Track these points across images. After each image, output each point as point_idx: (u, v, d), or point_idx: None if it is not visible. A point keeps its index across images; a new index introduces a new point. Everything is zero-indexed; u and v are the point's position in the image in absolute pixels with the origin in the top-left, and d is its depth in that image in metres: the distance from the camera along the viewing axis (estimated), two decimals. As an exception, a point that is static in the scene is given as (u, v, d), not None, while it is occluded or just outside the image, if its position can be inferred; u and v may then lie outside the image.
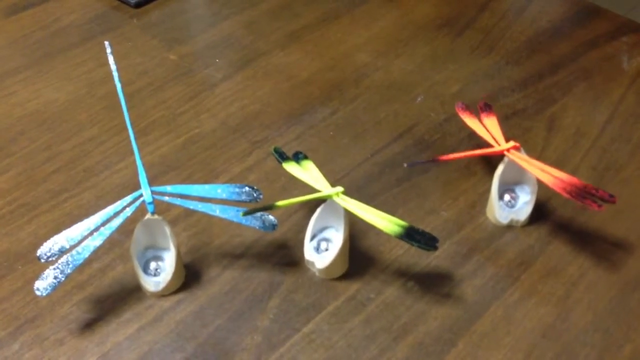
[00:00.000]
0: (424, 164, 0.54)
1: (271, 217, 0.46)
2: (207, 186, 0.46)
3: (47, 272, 0.42)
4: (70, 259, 0.42)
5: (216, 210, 0.45)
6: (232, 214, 0.45)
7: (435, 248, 0.43)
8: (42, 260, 0.42)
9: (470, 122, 0.54)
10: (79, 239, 0.42)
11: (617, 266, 0.48)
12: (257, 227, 0.46)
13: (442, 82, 0.63)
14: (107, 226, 0.43)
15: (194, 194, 0.45)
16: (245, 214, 0.43)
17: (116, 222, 0.43)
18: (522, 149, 0.49)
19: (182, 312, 0.45)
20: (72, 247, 0.42)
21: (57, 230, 0.49)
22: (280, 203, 0.43)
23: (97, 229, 0.43)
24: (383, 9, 0.73)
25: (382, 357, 0.42)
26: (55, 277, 0.41)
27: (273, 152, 0.50)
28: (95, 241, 0.42)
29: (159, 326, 0.44)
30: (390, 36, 0.69)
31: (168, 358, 0.42)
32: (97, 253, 0.48)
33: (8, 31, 0.69)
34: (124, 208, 0.44)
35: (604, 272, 0.47)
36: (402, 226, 0.44)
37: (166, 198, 0.45)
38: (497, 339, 0.43)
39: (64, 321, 0.44)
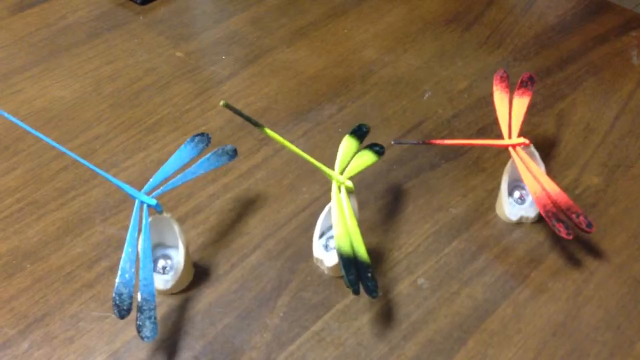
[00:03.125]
0: (411, 143, 0.53)
1: (228, 145, 0.47)
2: (174, 157, 0.46)
3: (139, 321, 0.40)
4: (146, 296, 0.40)
5: (196, 172, 0.46)
6: (206, 165, 0.46)
7: (357, 293, 0.40)
8: (127, 317, 0.40)
9: (498, 97, 0.51)
10: (133, 277, 0.41)
11: (628, 263, 0.47)
12: (227, 162, 0.47)
13: (450, 78, 0.63)
14: (142, 249, 0.42)
15: (172, 170, 0.46)
16: (226, 105, 0.39)
17: (146, 240, 0.42)
18: (532, 146, 0.49)
19: (191, 311, 0.45)
20: (133, 286, 0.40)
21: (66, 228, 0.49)
22: (269, 131, 0.41)
23: (137, 257, 0.41)
24: (390, 4, 0.72)
25: (391, 355, 0.42)
26: (149, 318, 0.40)
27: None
28: (148, 267, 0.41)
29: (168, 324, 0.44)
30: (398, 32, 0.69)
31: (177, 356, 0.42)
32: (105, 251, 0.48)
33: (14, 29, 0.69)
34: (139, 222, 0.43)
35: (614, 270, 0.47)
36: (357, 256, 0.41)
37: (159, 191, 0.44)
38: (508, 337, 0.43)
39: (74, 319, 0.44)
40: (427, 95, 0.61)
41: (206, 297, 0.45)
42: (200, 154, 0.47)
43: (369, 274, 0.41)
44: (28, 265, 0.47)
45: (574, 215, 0.45)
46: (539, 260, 0.47)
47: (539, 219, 0.50)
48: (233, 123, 0.58)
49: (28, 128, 0.43)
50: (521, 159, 0.48)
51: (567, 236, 0.44)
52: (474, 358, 0.42)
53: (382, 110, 0.60)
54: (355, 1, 0.73)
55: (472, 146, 0.55)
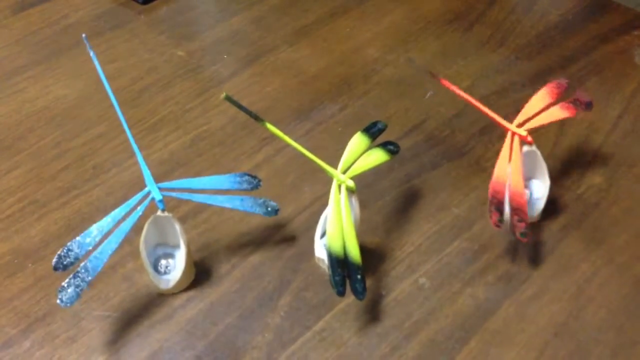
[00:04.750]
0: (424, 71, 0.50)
1: (273, 203, 0.46)
2: (210, 178, 0.46)
3: (67, 282, 0.40)
4: (89, 265, 0.40)
5: (222, 202, 0.45)
6: (238, 204, 0.45)
7: (341, 295, 0.40)
8: (59, 271, 0.40)
9: (541, 95, 0.49)
10: (92, 244, 0.41)
11: (631, 263, 0.47)
12: (261, 214, 0.46)
13: (452, 77, 0.63)
14: (120, 228, 0.42)
15: (199, 187, 0.45)
16: (227, 98, 0.39)
17: (128, 223, 0.42)
18: (535, 146, 0.48)
19: (192, 310, 0.45)
20: (88, 253, 0.41)
21: (68, 227, 0.49)
22: (270, 127, 0.41)
23: (109, 231, 0.41)
24: (392, 4, 0.72)
25: (393, 355, 0.42)
26: (77, 286, 0.40)
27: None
28: (111, 244, 0.41)
29: (169, 324, 0.44)
30: (400, 31, 0.69)
31: (178, 356, 0.42)
32: (107, 251, 0.48)
33: (16, 28, 0.69)
34: (134, 207, 0.43)
35: (617, 269, 0.47)
36: (348, 257, 0.41)
37: (173, 194, 0.44)
38: (510, 336, 0.43)
39: (75, 319, 0.44)
40: (429, 95, 0.61)
41: (207, 296, 0.45)
42: (239, 190, 0.46)
43: (359, 276, 0.41)
44: (30, 265, 0.47)
45: (515, 217, 0.44)
46: (541, 260, 0.47)
47: (541, 218, 0.49)
48: (235, 122, 0.58)
49: (105, 81, 0.45)
50: (512, 148, 0.46)
51: (495, 226, 0.44)
52: (476, 358, 0.42)
53: (384, 109, 0.59)
54: (357, 0, 0.73)
55: (477, 109, 0.50)
